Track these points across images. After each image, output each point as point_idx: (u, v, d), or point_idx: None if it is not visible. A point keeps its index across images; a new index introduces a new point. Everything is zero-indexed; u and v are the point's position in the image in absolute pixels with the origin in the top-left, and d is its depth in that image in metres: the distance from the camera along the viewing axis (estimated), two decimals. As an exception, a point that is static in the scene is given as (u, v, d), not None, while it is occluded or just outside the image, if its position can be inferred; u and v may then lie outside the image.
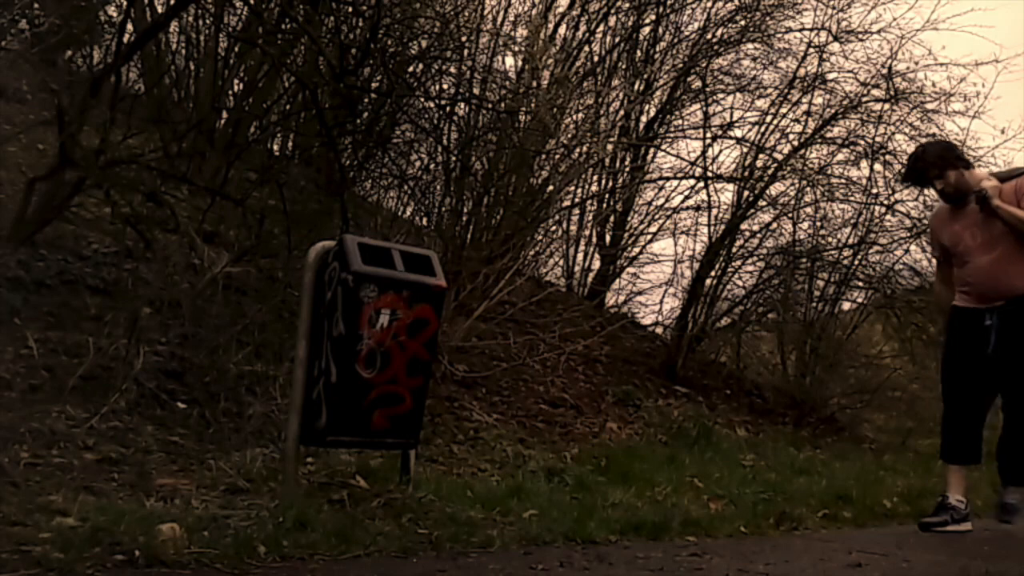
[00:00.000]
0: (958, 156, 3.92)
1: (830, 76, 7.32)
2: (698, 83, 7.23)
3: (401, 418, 2.92)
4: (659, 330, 7.90)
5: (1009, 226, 3.68)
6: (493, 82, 5.63)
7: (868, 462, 5.92)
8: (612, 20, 6.86)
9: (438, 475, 3.58)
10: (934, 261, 4.35)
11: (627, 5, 6.82)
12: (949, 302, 4.02)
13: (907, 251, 7.67)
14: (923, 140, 6.65)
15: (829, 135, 7.50)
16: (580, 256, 7.73)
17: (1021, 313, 3.73)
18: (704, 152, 7.27)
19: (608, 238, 7.69)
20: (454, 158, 5.42)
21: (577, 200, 7.01)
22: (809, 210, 7.66)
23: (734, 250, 7.49)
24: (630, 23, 6.92)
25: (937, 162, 3.84)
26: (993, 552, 3.26)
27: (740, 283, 7.72)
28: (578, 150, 5.77)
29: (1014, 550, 3.37)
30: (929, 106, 7.30)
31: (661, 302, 8.20)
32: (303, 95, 5.09)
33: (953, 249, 3.93)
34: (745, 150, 7.42)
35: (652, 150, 7.31)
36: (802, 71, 7.29)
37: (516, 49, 5.77)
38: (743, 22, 7.03)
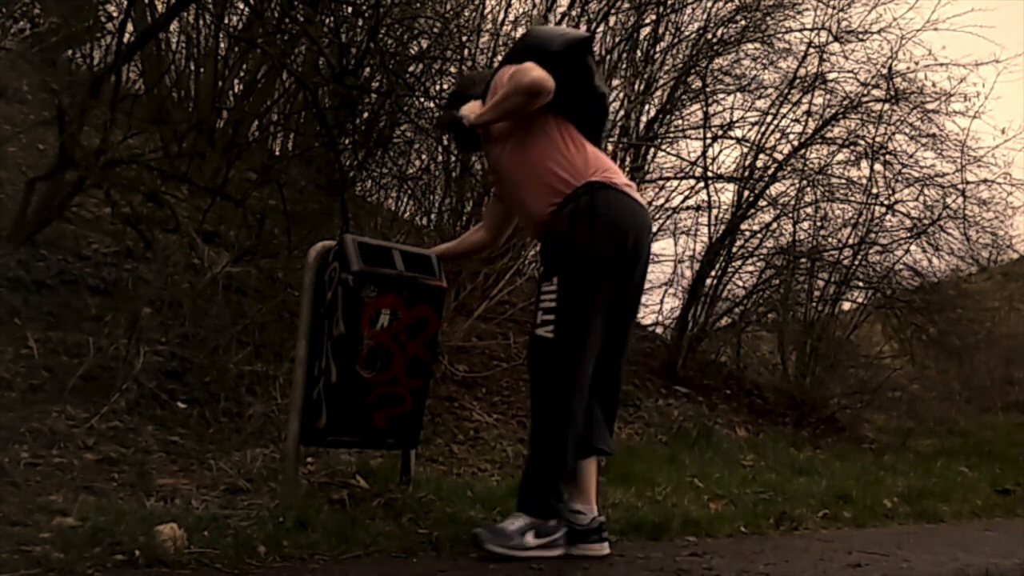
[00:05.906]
0: (453, 99, 2.91)
1: (830, 76, 7.34)
2: (698, 83, 7.23)
3: (401, 418, 2.92)
4: (659, 330, 7.91)
5: (499, 119, 2.70)
6: (493, 82, 5.62)
7: (868, 462, 5.91)
8: (612, 20, 6.85)
9: (438, 475, 3.58)
10: None
11: (627, 5, 6.81)
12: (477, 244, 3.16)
13: (907, 251, 7.71)
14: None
15: (829, 135, 7.52)
16: (580, 256, 7.73)
17: (547, 250, 2.70)
18: (704, 152, 7.28)
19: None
20: (454, 158, 5.42)
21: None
22: (809, 210, 7.69)
23: (734, 250, 7.51)
24: (630, 23, 6.91)
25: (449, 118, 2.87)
26: (994, 551, 3.26)
27: (740, 283, 7.75)
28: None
29: (1016, 550, 3.37)
30: (929, 106, 7.35)
31: (661, 302, 8.24)
32: (303, 95, 5.08)
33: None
34: (745, 150, 7.44)
35: (652, 150, 7.31)
36: (802, 71, 7.32)
37: (516, 49, 5.75)
38: (743, 22, 7.04)
